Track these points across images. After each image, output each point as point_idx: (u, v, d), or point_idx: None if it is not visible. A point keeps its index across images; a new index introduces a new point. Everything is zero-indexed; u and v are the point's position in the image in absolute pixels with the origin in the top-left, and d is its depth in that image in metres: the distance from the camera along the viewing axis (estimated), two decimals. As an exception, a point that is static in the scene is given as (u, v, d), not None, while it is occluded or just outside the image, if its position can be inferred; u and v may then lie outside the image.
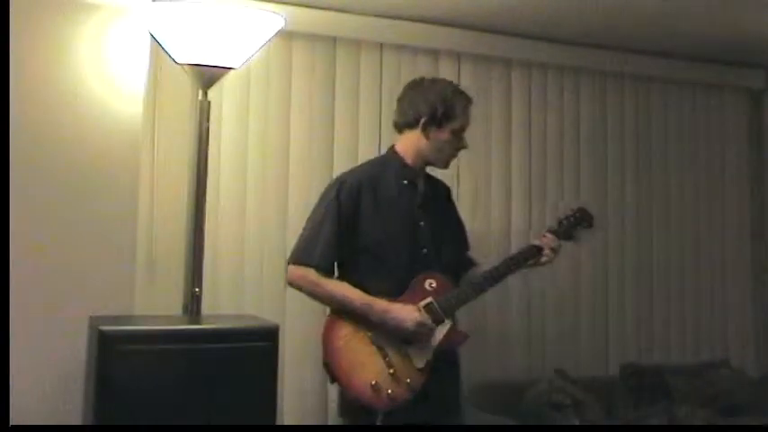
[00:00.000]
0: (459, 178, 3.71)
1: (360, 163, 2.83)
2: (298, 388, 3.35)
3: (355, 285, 2.54)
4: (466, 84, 3.60)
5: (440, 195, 2.78)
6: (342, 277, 2.59)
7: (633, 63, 4.11)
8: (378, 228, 2.57)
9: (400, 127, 2.68)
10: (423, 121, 2.60)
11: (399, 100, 2.70)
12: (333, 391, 3.38)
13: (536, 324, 3.89)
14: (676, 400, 3.72)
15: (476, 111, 3.63)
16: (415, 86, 2.68)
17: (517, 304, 3.83)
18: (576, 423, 3.46)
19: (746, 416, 3.69)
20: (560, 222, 2.76)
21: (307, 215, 3.33)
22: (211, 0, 2.71)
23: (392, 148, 2.70)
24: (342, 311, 2.54)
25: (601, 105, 4.13)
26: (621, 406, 3.74)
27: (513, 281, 2.72)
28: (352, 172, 2.69)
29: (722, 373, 4.03)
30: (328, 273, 2.55)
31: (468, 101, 2.69)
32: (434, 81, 2.72)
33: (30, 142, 2.79)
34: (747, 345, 4.38)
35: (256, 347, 2.54)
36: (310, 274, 2.53)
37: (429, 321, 2.51)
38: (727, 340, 4.34)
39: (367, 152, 3.53)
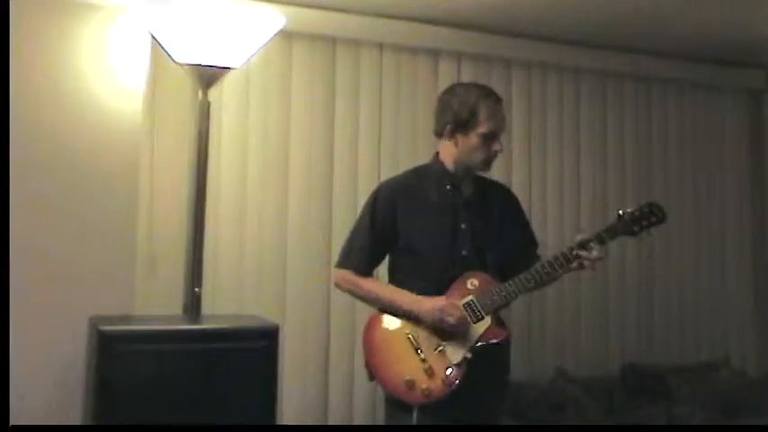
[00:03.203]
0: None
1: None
2: (298, 388, 3.35)
3: (400, 284, 2.62)
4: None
5: (492, 198, 2.75)
6: (390, 276, 2.69)
7: (633, 63, 4.11)
8: (416, 231, 2.63)
9: (438, 135, 2.70)
10: (447, 129, 2.63)
11: (435, 109, 2.71)
12: (333, 390, 3.41)
13: (536, 324, 3.89)
14: (676, 400, 3.72)
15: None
16: (445, 94, 2.70)
17: (518, 304, 3.81)
18: (576, 423, 3.46)
19: (746, 416, 3.69)
20: (620, 216, 2.63)
21: (306, 214, 3.38)
22: (211, 0, 2.71)
23: (436, 155, 2.72)
24: (382, 309, 2.63)
25: (601, 105, 4.13)
26: (621, 406, 3.74)
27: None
28: (389, 180, 2.76)
29: (722, 373, 4.03)
30: (365, 274, 2.66)
31: (496, 103, 2.62)
32: (463, 86, 2.72)
33: (30, 142, 2.79)
34: (747, 345, 4.38)
35: (256, 347, 2.55)
36: (349, 276, 2.66)
37: (456, 314, 2.51)
38: (728, 340, 4.33)
39: (367, 152, 3.54)
